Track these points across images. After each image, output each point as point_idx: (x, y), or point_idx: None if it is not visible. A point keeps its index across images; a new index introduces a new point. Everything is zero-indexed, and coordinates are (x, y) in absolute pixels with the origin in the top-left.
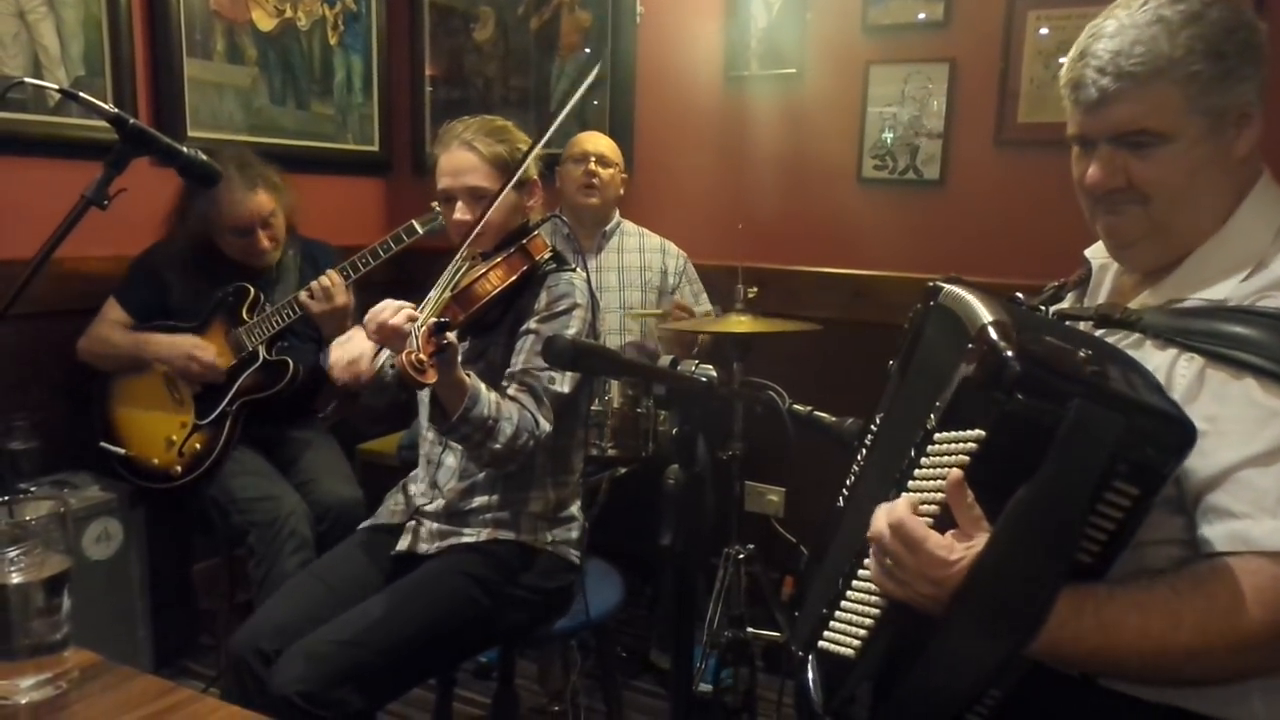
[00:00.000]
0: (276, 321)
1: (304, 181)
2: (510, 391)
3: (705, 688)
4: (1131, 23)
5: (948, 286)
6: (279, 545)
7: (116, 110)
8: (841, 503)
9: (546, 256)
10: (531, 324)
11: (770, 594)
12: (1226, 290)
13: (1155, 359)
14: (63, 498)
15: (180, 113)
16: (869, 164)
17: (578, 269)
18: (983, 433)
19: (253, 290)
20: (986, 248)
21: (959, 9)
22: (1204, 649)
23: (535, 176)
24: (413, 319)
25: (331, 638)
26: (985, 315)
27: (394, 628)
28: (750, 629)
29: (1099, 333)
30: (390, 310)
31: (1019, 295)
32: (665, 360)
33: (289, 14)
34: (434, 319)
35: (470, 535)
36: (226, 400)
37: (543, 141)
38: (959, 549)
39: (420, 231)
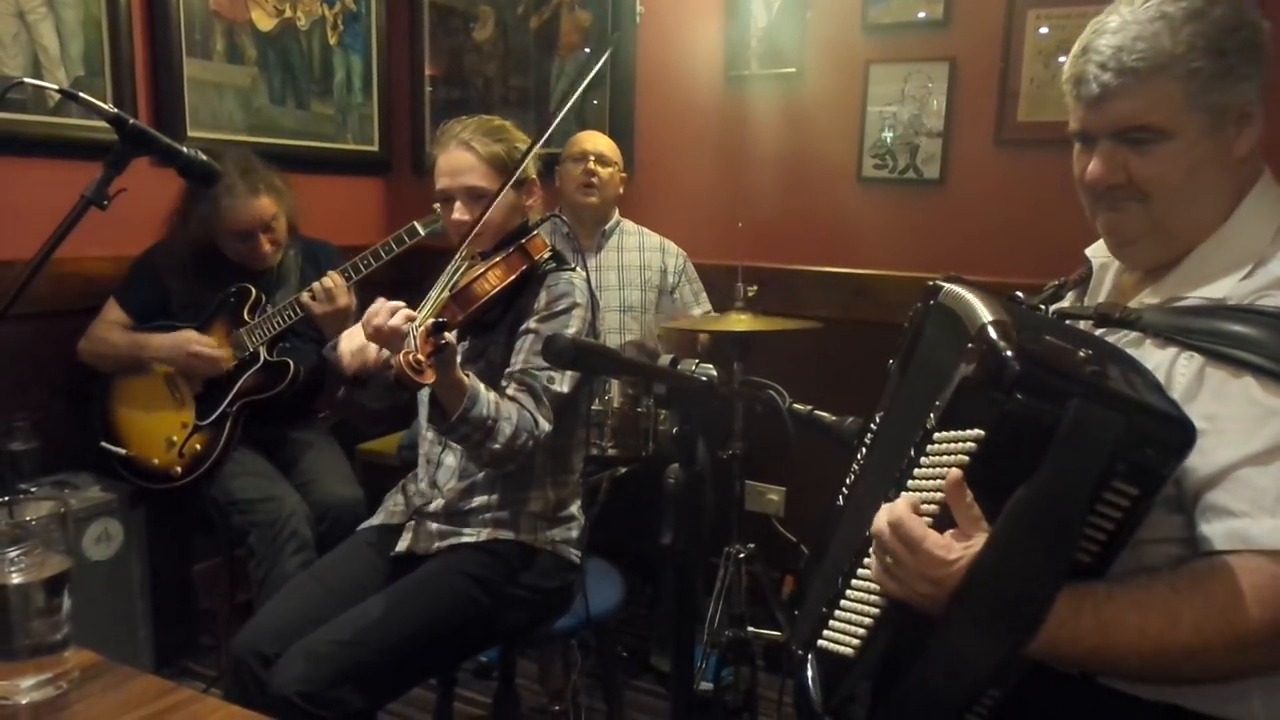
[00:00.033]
0: (278, 322)
1: (303, 181)
2: (510, 391)
3: (706, 685)
4: (1134, 19)
5: (947, 286)
6: (280, 546)
7: (116, 110)
8: (841, 502)
9: (546, 256)
10: (531, 323)
11: (770, 593)
12: (1226, 289)
13: (1155, 358)
14: (63, 498)
15: (180, 113)
16: (869, 163)
17: (577, 268)
18: (982, 432)
19: (254, 291)
20: (986, 247)
21: (959, 8)
22: (1202, 647)
23: (534, 176)
24: (410, 319)
25: (331, 637)
26: (985, 314)
27: (394, 627)
28: (751, 628)
29: (1099, 332)
30: (386, 311)
31: (1019, 294)
32: (665, 359)
33: (288, 14)
34: (432, 319)
35: (470, 535)
36: (227, 401)
37: (543, 140)
38: (957, 549)
39: (422, 233)
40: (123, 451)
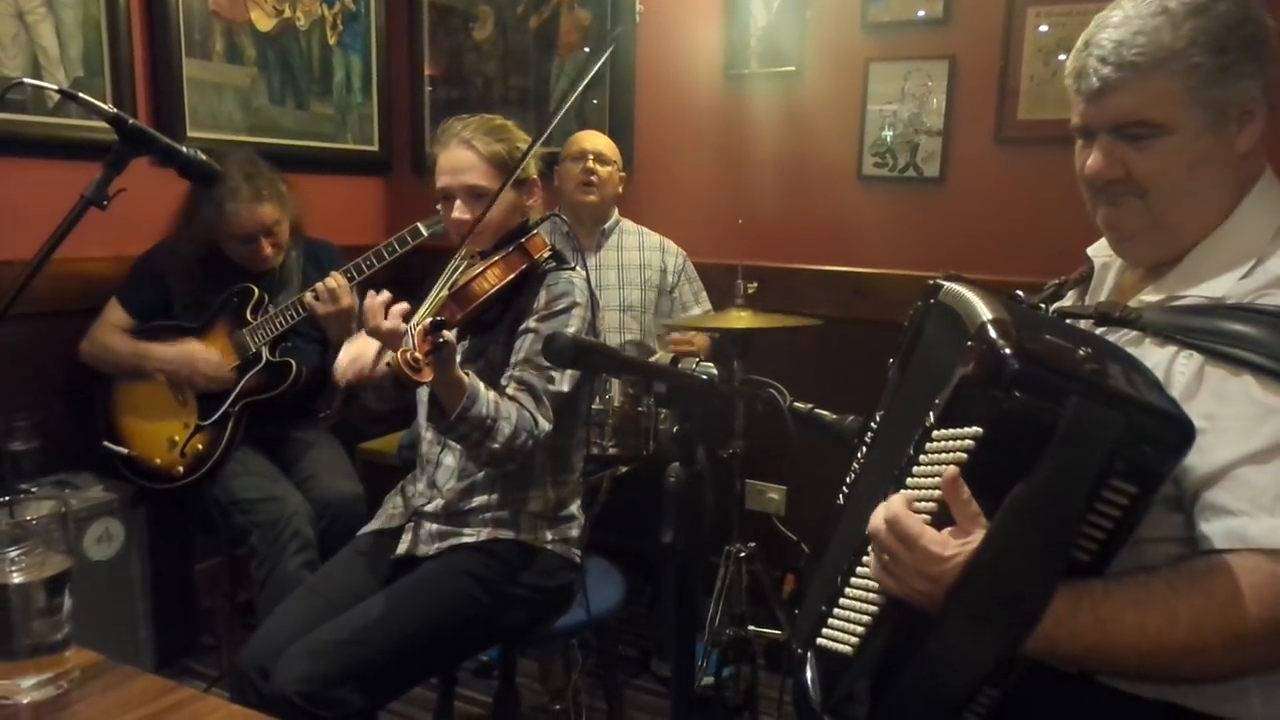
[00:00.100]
0: (280, 323)
1: (303, 181)
2: (509, 391)
3: (708, 680)
4: (1136, 14)
5: (948, 284)
6: (281, 546)
7: (116, 110)
8: (841, 500)
9: (546, 255)
10: (531, 323)
11: (771, 592)
12: (1225, 287)
13: (1154, 356)
14: (64, 498)
15: (179, 113)
16: (869, 162)
17: (577, 268)
18: (981, 430)
19: (257, 291)
20: (987, 245)
21: (959, 6)
22: (1201, 646)
23: (535, 175)
24: (407, 316)
25: (332, 637)
26: (985, 313)
27: (394, 627)
28: (751, 627)
29: (1099, 330)
30: (382, 308)
31: (1019, 293)
32: (665, 358)
33: (288, 14)
34: (430, 318)
35: (470, 535)
36: (229, 401)
37: (543, 138)
38: (953, 545)
39: (425, 234)
40: (125, 451)
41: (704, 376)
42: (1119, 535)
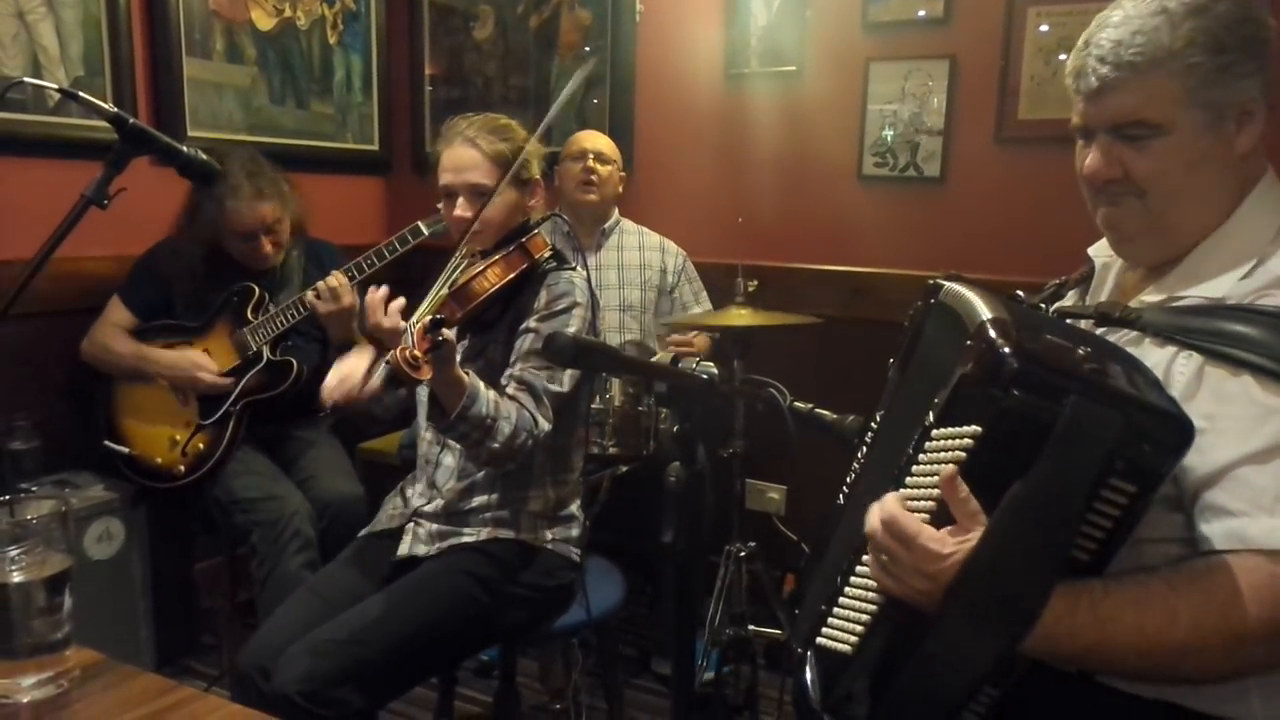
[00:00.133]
0: (281, 322)
1: (304, 181)
2: (509, 390)
3: (709, 676)
4: (1136, 13)
5: (948, 284)
6: (282, 545)
7: (116, 110)
8: (842, 500)
9: (546, 255)
10: (531, 322)
11: (771, 591)
12: (1225, 288)
13: (1154, 356)
14: (64, 497)
15: (180, 112)
16: (869, 161)
17: (578, 267)
18: (979, 429)
19: (258, 290)
20: (987, 245)
21: (959, 6)
22: (1200, 646)
23: (538, 176)
24: (407, 313)
25: (332, 636)
26: (984, 312)
27: (395, 626)
28: (751, 626)
29: (1099, 330)
30: (381, 305)
31: (1019, 293)
32: (665, 358)
33: (288, 13)
34: (429, 316)
35: (470, 535)
36: (230, 400)
37: (536, 135)
38: (951, 543)
39: (426, 233)
40: (126, 450)
41: (704, 376)
42: (1118, 534)
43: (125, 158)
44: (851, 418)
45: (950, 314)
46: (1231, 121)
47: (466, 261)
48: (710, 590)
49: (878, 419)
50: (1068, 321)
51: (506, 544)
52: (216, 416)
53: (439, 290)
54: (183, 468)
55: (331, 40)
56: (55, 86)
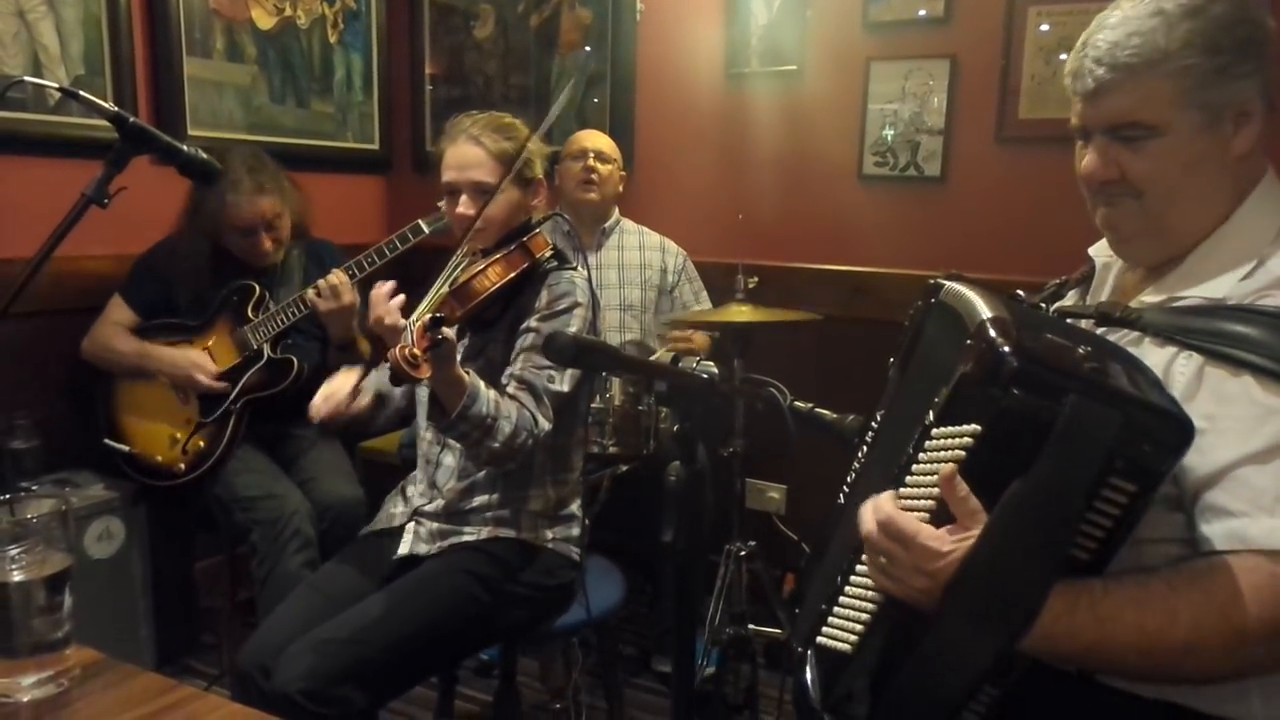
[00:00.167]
0: (282, 320)
1: (304, 180)
2: (510, 390)
3: (709, 671)
4: (1133, 14)
5: (948, 284)
6: (282, 544)
7: (116, 109)
8: (842, 500)
9: (547, 254)
10: (532, 322)
11: (771, 591)
12: (1226, 288)
13: (1154, 356)
14: (64, 496)
15: (180, 111)
16: (870, 161)
17: (579, 267)
18: (979, 428)
19: (258, 288)
20: (987, 244)
21: (960, 5)
22: (1200, 646)
23: (541, 175)
24: (407, 311)
25: (333, 635)
26: (985, 312)
27: (395, 625)
28: (751, 626)
29: (1100, 331)
30: (384, 301)
31: (1020, 292)
32: (665, 357)
33: (288, 12)
34: (429, 314)
35: (471, 534)
36: (231, 398)
37: (538, 134)
38: (950, 541)
39: (426, 231)
40: (126, 449)
41: (704, 375)
42: (1118, 534)
43: (125, 157)
44: (851, 417)
45: (950, 313)
46: (1229, 122)
47: (467, 260)
48: (710, 589)
49: (878, 418)
50: (1068, 321)
51: (507, 543)
52: (217, 414)
53: (439, 288)
54: (183, 466)
55: (332, 39)
56: (56, 85)
